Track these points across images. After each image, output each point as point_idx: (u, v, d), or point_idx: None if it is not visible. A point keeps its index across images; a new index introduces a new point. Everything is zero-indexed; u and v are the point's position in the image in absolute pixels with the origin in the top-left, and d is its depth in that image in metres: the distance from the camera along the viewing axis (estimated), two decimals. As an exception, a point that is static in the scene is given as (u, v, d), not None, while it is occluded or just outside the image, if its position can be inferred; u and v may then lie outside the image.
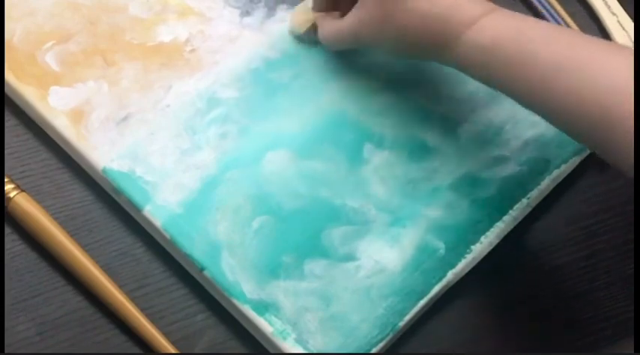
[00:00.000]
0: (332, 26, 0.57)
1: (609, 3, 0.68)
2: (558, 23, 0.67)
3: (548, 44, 0.47)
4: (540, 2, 0.67)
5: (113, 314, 0.52)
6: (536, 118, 0.59)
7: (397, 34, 0.52)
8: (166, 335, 0.51)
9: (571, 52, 0.46)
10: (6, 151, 0.56)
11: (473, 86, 0.60)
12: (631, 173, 0.43)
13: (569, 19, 0.67)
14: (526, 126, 0.59)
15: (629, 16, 0.67)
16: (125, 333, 0.52)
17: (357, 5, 0.54)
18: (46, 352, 0.51)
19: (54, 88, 0.57)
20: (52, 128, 0.56)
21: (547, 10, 0.67)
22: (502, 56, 0.48)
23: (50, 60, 0.58)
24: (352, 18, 0.54)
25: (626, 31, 0.67)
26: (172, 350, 0.51)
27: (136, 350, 0.51)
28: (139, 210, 0.53)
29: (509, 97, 0.50)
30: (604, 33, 0.67)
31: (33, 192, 0.54)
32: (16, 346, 0.51)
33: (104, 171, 0.54)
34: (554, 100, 0.46)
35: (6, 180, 0.54)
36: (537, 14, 0.67)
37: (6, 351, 0.50)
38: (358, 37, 0.54)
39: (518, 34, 0.48)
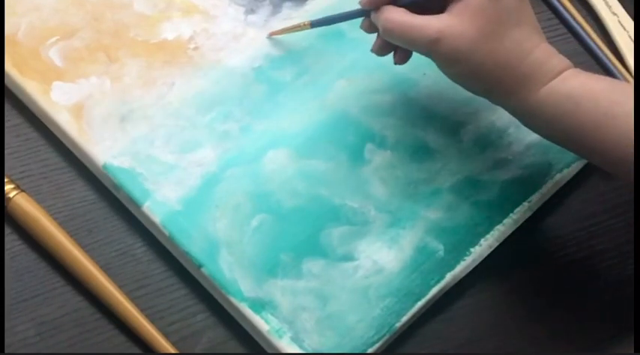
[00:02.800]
0: (404, 19, 0.51)
1: (610, 3, 0.68)
2: (572, 25, 0.67)
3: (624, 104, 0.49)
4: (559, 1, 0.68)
5: (113, 314, 0.52)
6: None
7: (482, 59, 0.50)
8: (166, 335, 0.51)
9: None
10: (6, 151, 0.56)
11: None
12: None
13: (580, 19, 0.67)
14: (528, 129, 0.59)
15: (630, 16, 0.67)
16: (125, 333, 0.52)
17: (451, 10, 0.50)
18: (46, 352, 0.51)
19: (57, 83, 0.57)
20: (54, 123, 0.56)
21: (566, 10, 0.67)
22: (587, 107, 0.49)
23: (54, 55, 0.58)
24: (440, 22, 0.50)
25: (627, 31, 0.67)
26: (172, 350, 0.51)
27: (136, 350, 0.51)
28: (138, 206, 0.54)
29: (567, 148, 0.53)
30: (605, 33, 0.67)
31: (33, 192, 0.55)
32: (16, 346, 0.51)
33: (105, 167, 0.54)
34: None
35: (6, 180, 0.54)
36: (557, 14, 0.67)
37: (5, 351, 0.50)
38: (436, 43, 0.50)
39: (609, 88, 0.50)
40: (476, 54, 0.50)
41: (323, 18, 0.58)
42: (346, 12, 0.56)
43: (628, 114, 0.48)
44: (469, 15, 0.50)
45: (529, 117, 0.52)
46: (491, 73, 0.51)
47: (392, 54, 0.55)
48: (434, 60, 0.52)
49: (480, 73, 0.51)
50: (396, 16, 0.51)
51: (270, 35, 0.60)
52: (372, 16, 0.53)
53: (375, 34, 0.55)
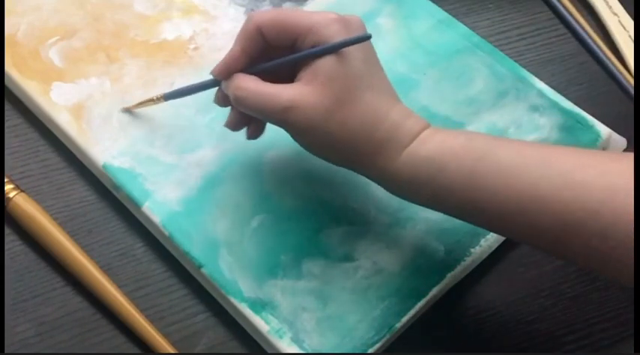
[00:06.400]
0: (256, 87, 0.49)
1: (610, 3, 0.68)
2: (572, 25, 0.67)
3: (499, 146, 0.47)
4: (559, 1, 0.68)
5: (113, 314, 0.52)
6: (539, 122, 0.60)
7: (336, 127, 0.48)
8: (166, 335, 0.51)
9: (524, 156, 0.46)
10: (6, 151, 0.56)
11: (477, 89, 0.60)
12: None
13: (581, 19, 0.67)
14: (529, 130, 0.59)
15: (630, 16, 0.68)
16: (125, 334, 0.52)
17: (301, 79, 0.48)
18: (46, 352, 0.51)
19: (56, 84, 0.57)
20: (54, 123, 0.56)
21: (565, 9, 0.67)
22: (451, 169, 0.47)
23: (54, 55, 0.58)
24: (291, 90, 0.48)
25: (627, 31, 0.67)
26: (172, 350, 0.51)
27: (136, 350, 0.51)
28: (138, 206, 0.54)
29: (444, 212, 0.50)
30: (605, 33, 0.67)
31: (33, 193, 0.55)
32: (16, 346, 0.51)
33: (104, 167, 0.55)
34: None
35: (6, 180, 0.54)
36: (557, 14, 0.67)
37: (6, 351, 0.50)
38: (287, 112, 0.47)
39: (467, 143, 0.48)
40: (329, 122, 0.47)
41: (176, 90, 0.54)
42: (199, 83, 0.52)
43: (491, 171, 0.46)
44: (319, 83, 0.47)
45: (394, 185, 0.49)
46: (347, 142, 0.48)
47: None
48: (286, 130, 0.49)
49: (335, 143, 0.48)
50: (248, 84, 0.49)
51: (124, 110, 0.57)
52: (223, 85, 0.50)
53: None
